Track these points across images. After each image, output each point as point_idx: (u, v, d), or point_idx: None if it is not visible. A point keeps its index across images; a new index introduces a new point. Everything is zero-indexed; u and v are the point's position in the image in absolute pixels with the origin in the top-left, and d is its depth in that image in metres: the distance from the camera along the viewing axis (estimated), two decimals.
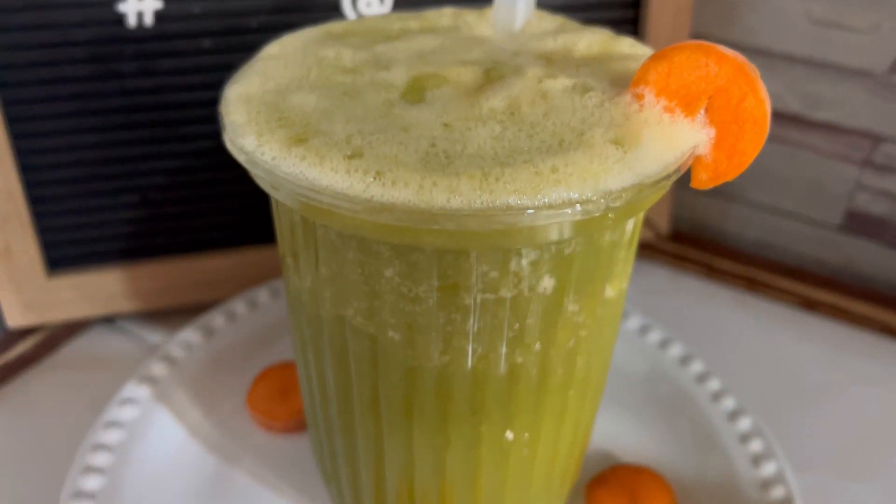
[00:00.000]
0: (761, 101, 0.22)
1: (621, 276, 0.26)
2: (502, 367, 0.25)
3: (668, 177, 0.22)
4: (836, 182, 0.50)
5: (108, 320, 0.47)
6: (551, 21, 0.30)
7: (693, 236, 0.56)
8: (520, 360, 0.25)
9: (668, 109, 0.23)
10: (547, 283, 0.23)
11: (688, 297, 0.51)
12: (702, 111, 0.23)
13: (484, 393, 0.25)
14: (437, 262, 0.22)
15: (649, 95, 0.23)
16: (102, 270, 0.44)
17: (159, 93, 0.41)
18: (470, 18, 0.30)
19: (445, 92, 0.24)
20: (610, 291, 0.26)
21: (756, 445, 0.36)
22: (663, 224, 0.53)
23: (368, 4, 0.41)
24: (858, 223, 0.50)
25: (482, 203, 0.20)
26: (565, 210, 0.20)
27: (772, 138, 0.51)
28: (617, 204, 0.21)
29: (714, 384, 0.40)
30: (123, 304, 0.45)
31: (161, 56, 0.40)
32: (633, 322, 0.43)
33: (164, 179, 0.43)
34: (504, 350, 0.24)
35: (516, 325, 0.24)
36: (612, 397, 0.38)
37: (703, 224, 0.56)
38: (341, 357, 0.26)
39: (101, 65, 0.40)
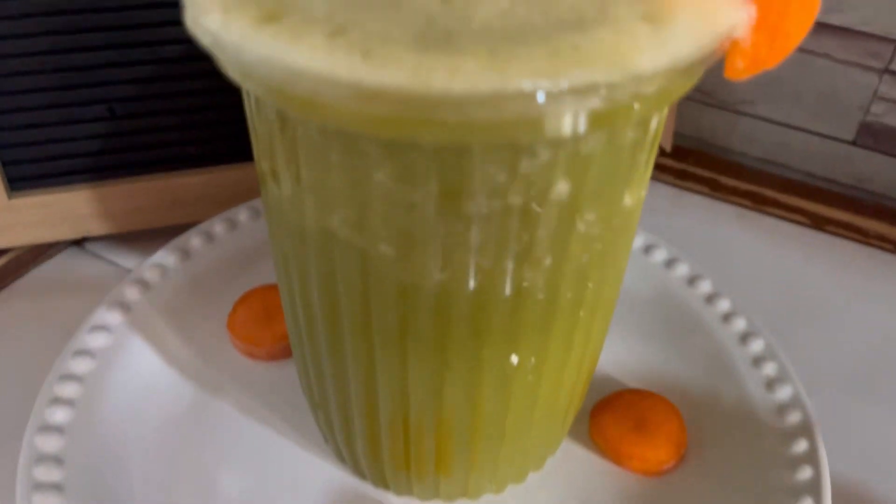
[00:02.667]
0: None
1: (641, 181, 0.23)
2: (508, 285, 0.22)
3: (704, 60, 0.19)
4: (852, 92, 0.47)
5: (77, 243, 0.44)
6: None
7: (697, 152, 0.53)
8: (528, 276, 0.22)
9: None
10: (561, 188, 0.20)
11: (692, 215, 0.49)
12: None
13: (487, 314, 0.23)
14: (435, 162, 0.19)
15: None
16: (69, 190, 0.41)
17: None
18: None
19: None
20: (628, 199, 0.23)
21: (769, 368, 0.34)
22: (666, 140, 0.50)
23: None
24: (873, 136, 0.47)
25: (490, 86, 0.16)
26: (589, 95, 0.17)
27: None
28: (648, 90, 0.18)
29: (724, 305, 0.37)
30: (93, 226, 0.42)
31: None
32: (637, 241, 0.41)
33: (131, 90, 0.39)
34: (511, 266, 0.22)
35: (525, 237, 0.21)
36: (617, 319, 0.35)
37: (707, 139, 0.53)
38: (328, 275, 0.23)
39: None
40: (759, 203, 0.49)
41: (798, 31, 0.20)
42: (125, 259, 0.43)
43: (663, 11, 0.19)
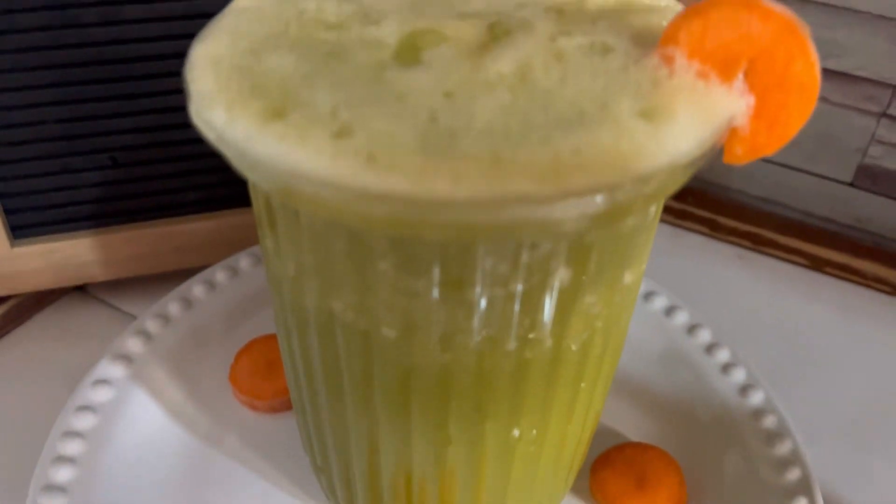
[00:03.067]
0: (811, 65, 0.20)
1: (641, 259, 0.24)
2: (510, 364, 0.22)
3: (703, 155, 0.19)
4: (850, 135, 0.47)
5: (80, 288, 0.44)
6: None
7: (696, 192, 0.53)
8: (529, 356, 0.22)
9: (701, 74, 0.20)
10: (562, 275, 0.20)
11: (691, 255, 0.49)
12: (740, 76, 0.20)
13: (489, 391, 0.23)
14: (438, 255, 0.19)
15: (680, 58, 0.20)
16: (71, 237, 0.41)
17: (125, 43, 0.37)
18: None
19: (444, 52, 0.21)
20: (629, 277, 0.23)
21: (769, 422, 0.34)
22: None
23: None
24: (872, 178, 0.48)
25: (493, 192, 0.17)
26: (589, 199, 0.17)
27: None
28: (647, 190, 0.18)
29: (723, 355, 0.38)
30: (95, 273, 0.42)
31: (126, 2, 0.37)
32: None
33: (133, 138, 0.40)
34: (513, 347, 0.22)
35: (527, 321, 0.21)
36: (617, 371, 0.35)
37: (706, 179, 0.54)
38: (330, 351, 0.23)
39: (59, 12, 0.36)
40: (758, 244, 0.49)
41: (797, 120, 0.20)
42: (127, 304, 0.43)
43: (663, 107, 0.19)
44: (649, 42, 0.21)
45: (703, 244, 0.50)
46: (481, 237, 0.18)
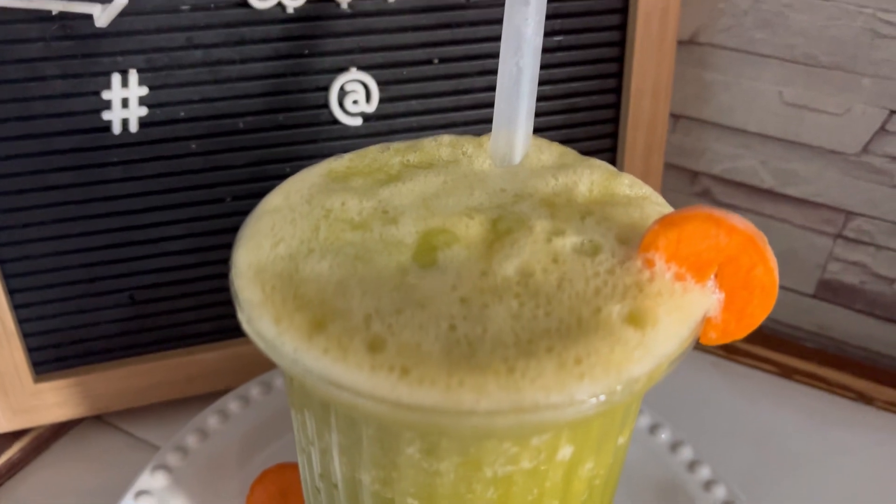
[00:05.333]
0: (770, 270, 0.23)
1: (633, 421, 0.27)
2: None
3: (683, 353, 0.22)
4: (810, 252, 0.51)
5: (97, 416, 0.46)
6: (549, 153, 0.30)
7: None
8: None
9: (678, 276, 0.23)
10: (565, 451, 0.24)
11: None
12: (712, 276, 0.24)
13: None
14: (459, 444, 0.22)
15: (660, 262, 0.24)
16: (89, 371, 0.43)
17: (146, 196, 0.41)
18: (469, 148, 0.30)
19: (457, 253, 0.25)
20: (622, 439, 0.26)
21: None
22: None
23: (356, 102, 0.41)
24: (832, 291, 0.52)
25: (510, 403, 0.20)
26: (590, 401, 0.20)
27: (747, 210, 0.52)
28: (637, 387, 0.21)
29: (704, 472, 0.40)
30: (112, 404, 0.44)
31: (147, 160, 0.40)
32: None
33: (150, 278, 0.43)
34: None
35: (535, 490, 0.24)
36: None
37: None
38: None
39: (86, 171, 0.39)
40: (731, 353, 0.52)
41: (761, 312, 0.24)
42: (142, 430, 0.45)
43: (648, 313, 0.22)
44: (633, 239, 0.25)
45: None
46: (498, 432, 0.22)
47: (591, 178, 0.28)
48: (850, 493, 0.44)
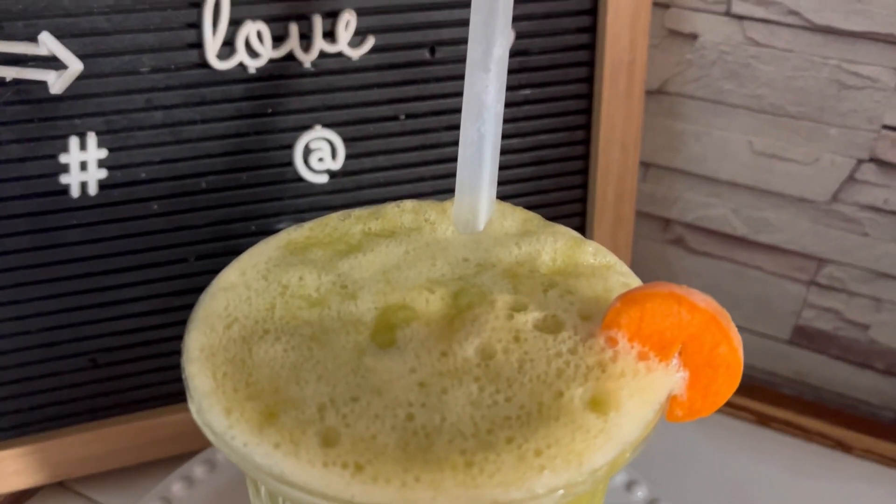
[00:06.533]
0: (734, 349, 0.23)
1: (601, 498, 0.26)
2: None
3: (647, 436, 0.22)
4: (784, 299, 0.51)
5: (58, 483, 0.45)
6: (513, 219, 0.30)
7: None
8: None
9: (642, 355, 0.23)
10: None
11: None
12: (676, 354, 0.23)
13: None
14: None
15: (622, 340, 0.23)
16: (50, 437, 0.42)
17: (106, 258, 0.40)
18: (432, 215, 0.30)
19: (415, 331, 0.24)
20: None
21: None
22: None
23: (321, 159, 0.41)
24: (807, 338, 0.51)
25: (467, 500, 0.19)
26: (552, 495, 0.20)
27: (720, 258, 0.52)
28: (600, 475, 0.21)
29: None
30: (74, 470, 0.43)
31: (107, 222, 0.39)
32: None
33: (112, 341, 0.42)
34: None
35: None
36: None
37: None
38: None
39: (44, 234, 0.38)
40: None
41: (726, 390, 0.23)
42: (103, 495, 0.44)
43: (610, 396, 0.22)
44: (596, 314, 0.24)
45: None
46: None
47: (554, 246, 0.28)
48: None
